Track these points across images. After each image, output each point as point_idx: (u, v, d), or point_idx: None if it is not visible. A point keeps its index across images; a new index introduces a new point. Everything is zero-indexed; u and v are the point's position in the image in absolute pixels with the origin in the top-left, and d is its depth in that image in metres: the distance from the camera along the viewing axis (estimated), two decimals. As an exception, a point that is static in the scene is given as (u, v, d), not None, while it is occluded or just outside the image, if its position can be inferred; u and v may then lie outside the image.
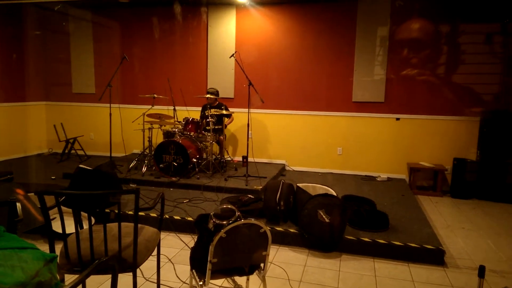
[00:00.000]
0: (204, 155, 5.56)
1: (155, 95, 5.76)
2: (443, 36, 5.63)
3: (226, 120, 5.87)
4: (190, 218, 3.93)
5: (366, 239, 3.47)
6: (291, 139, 6.38)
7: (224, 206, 2.32)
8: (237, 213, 2.22)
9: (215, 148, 5.86)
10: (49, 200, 2.05)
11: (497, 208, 4.94)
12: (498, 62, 5.46)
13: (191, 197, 4.62)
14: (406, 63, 5.76)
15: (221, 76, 6.50)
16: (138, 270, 2.25)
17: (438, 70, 5.68)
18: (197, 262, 2.15)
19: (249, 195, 4.46)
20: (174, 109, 6.06)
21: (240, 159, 6.16)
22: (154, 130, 5.79)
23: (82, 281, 1.37)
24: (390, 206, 4.50)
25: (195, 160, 5.23)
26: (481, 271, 1.97)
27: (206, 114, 5.40)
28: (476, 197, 5.31)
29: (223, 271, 2.14)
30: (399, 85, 5.81)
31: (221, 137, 5.74)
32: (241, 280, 2.80)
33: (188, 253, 3.15)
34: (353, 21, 5.88)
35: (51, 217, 2.09)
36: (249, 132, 5.30)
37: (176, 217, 3.94)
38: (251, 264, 2.19)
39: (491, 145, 5.27)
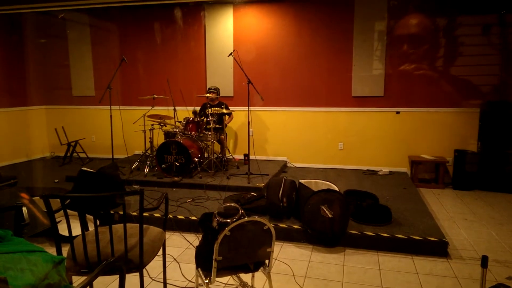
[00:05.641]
0: (206, 154, 5.58)
1: (155, 96, 5.77)
2: (440, 29, 5.62)
3: (226, 118, 5.89)
4: (194, 217, 3.95)
5: (370, 233, 3.49)
6: (292, 136, 6.39)
7: (227, 205, 2.34)
8: (241, 211, 2.24)
9: (217, 147, 5.88)
10: (54, 203, 2.07)
11: (499, 198, 4.96)
12: (496, 53, 5.46)
13: (194, 197, 4.64)
14: (405, 56, 5.76)
15: (220, 75, 6.51)
16: (144, 270, 2.28)
17: (436, 63, 5.69)
18: (203, 260, 2.17)
19: (252, 193, 4.48)
20: (174, 109, 6.08)
21: (242, 157, 6.18)
22: (155, 130, 5.81)
23: (90, 282, 1.39)
24: (393, 199, 4.52)
25: (197, 159, 5.24)
26: (484, 261, 1.98)
27: (207, 113, 5.42)
28: (478, 188, 5.33)
29: (229, 268, 2.16)
30: (398, 79, 5.82)
31: (222, 136, 5.75)
32: (246, 277, 2.83)
33: (193, 252, 3.18)
34: (350, 16, 5.88)
35: (56, 220, 2.11)
36: (250, 130, 5.31)
37: (180, 217, 3.97)
38: (256, 261, 2.22)
39: (491, 136, 5.28)
